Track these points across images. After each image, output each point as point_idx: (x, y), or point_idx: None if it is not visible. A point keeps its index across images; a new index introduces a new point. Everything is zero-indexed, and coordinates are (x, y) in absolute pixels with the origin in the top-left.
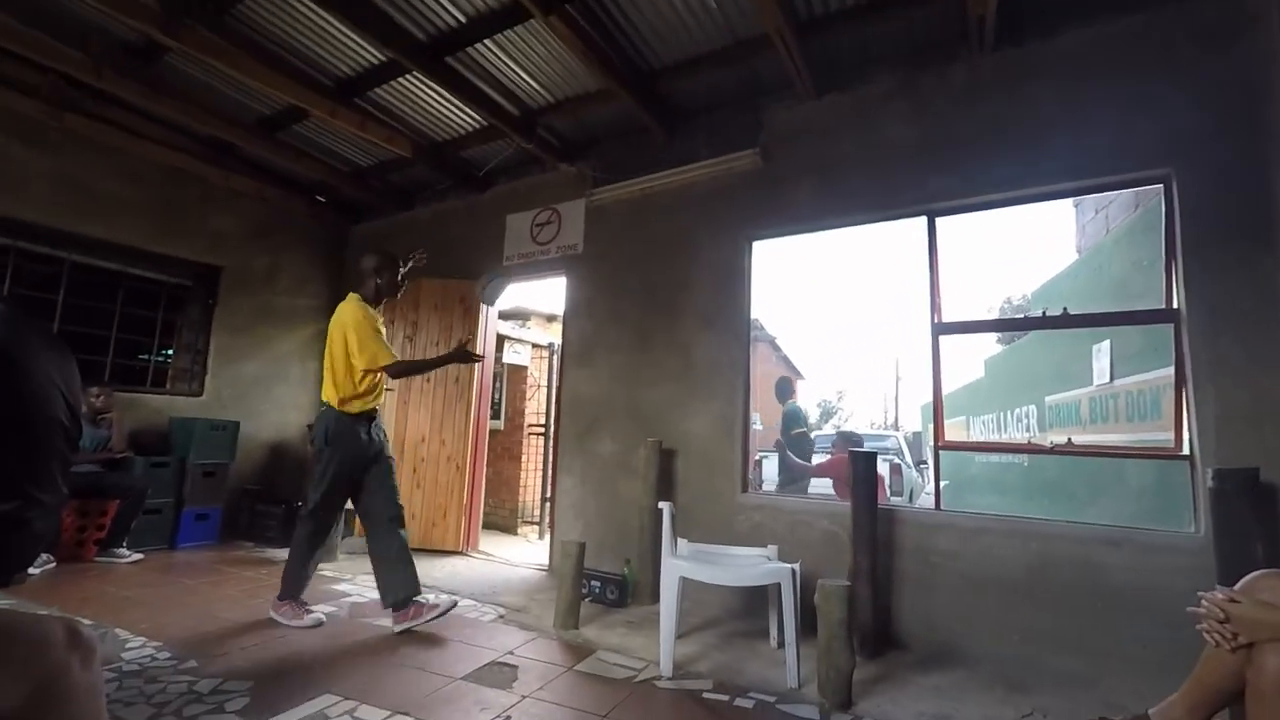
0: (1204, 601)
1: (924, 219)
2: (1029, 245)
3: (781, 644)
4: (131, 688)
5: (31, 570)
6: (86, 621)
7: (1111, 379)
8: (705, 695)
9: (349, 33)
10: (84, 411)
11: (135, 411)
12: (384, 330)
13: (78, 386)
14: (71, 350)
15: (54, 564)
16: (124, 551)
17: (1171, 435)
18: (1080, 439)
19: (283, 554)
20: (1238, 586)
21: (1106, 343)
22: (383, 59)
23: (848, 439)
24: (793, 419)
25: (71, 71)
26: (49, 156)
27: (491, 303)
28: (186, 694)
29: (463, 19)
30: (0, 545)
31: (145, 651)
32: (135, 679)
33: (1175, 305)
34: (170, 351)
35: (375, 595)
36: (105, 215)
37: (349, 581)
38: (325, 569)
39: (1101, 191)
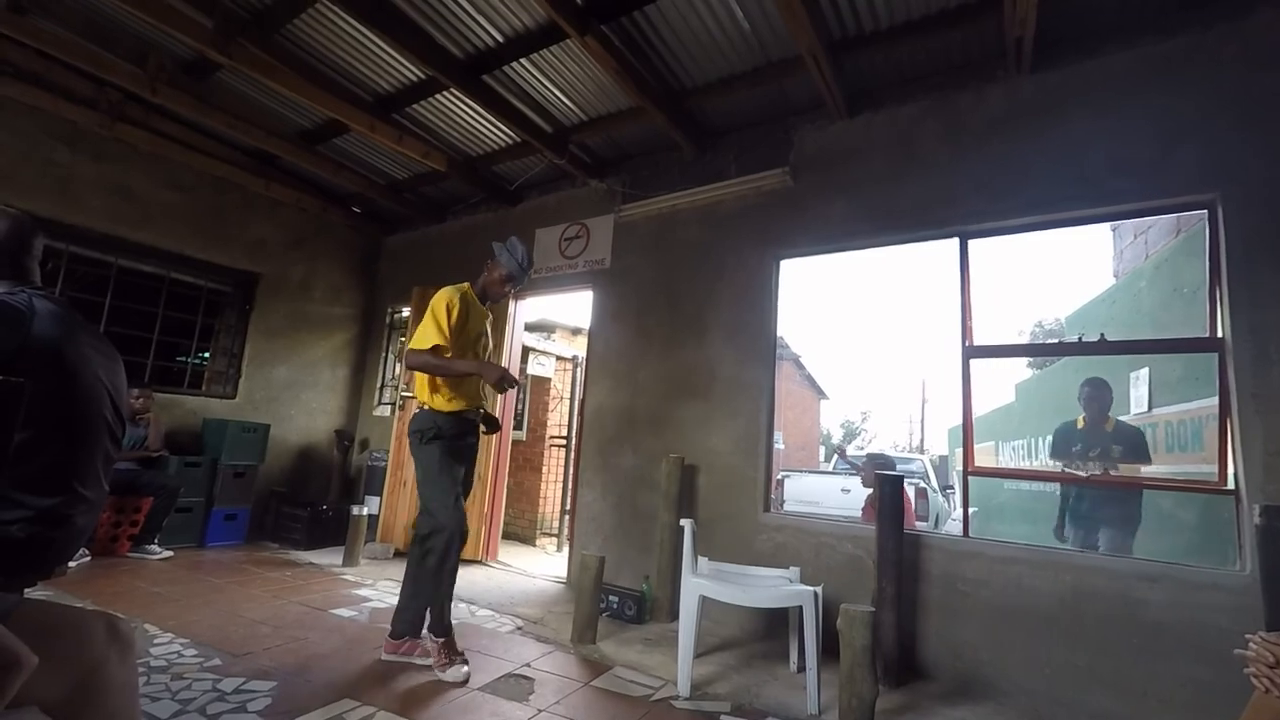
0: (1253, 644)
1: (956, 240)
2: (1063, 268)
3: (801, 668)
4: (158, 683)
5: (70, 563)
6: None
7: (1150, 408)
8: (723, 717)
9: (390, 51)
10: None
11: (171, 412)
12: (465, 321)
13: (124, 387)
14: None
15: (89, 558)
16: (156, 548)
17: (1214, 468)
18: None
19: (307, 556)
20: None
21: (1145, 370)
22: (422, 76)
23: (876, 461)
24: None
25: (127, 85)
26: (100, 164)
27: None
28: (210, 692)
29: (500, 39)
30: (44, 539)
31: (173, 648)
32: (162, 675)
33: (1220, 334)
34: (207, 354)
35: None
36: (151, 222)
37: (369, 587)
38: (346, 573)
39: (1142, 216)
